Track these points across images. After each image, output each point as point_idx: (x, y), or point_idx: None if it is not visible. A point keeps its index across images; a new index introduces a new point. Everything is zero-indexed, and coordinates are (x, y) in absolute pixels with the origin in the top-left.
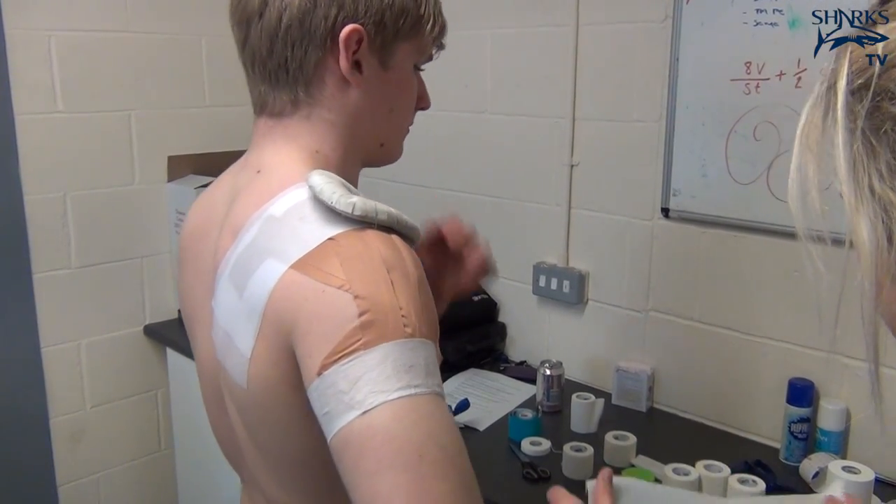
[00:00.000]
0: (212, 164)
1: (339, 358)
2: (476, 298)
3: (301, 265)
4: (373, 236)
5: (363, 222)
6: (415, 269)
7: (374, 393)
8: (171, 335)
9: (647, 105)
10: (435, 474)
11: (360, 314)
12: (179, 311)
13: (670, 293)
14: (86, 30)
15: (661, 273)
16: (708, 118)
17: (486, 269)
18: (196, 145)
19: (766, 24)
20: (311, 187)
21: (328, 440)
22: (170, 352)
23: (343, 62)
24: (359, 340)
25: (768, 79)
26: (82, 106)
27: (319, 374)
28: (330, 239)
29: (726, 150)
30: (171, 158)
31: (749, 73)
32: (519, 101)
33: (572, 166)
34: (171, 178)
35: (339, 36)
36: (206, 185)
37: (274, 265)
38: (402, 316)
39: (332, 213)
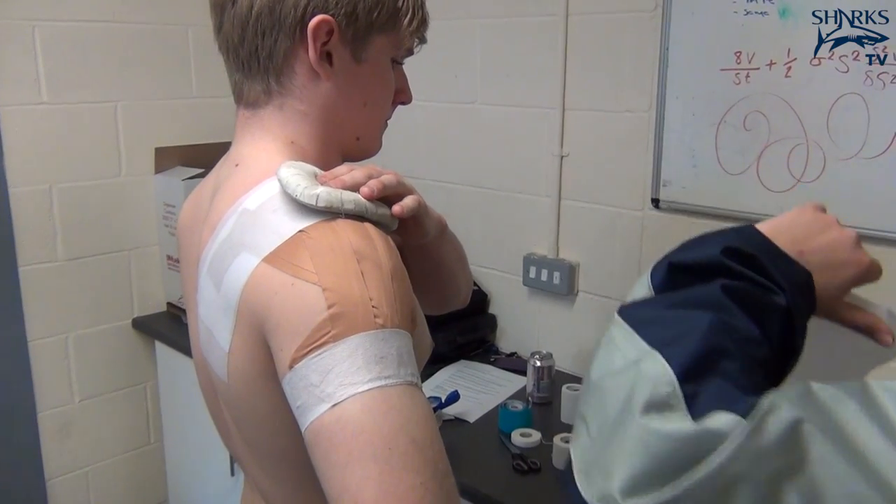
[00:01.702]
0: (199, 156)
1: (309, 351)
2: None
3: (272, 258)
4: (344, 226)
5: (332, 213)
6: (388, 258)
7: (344, 385)
8: (160, 328)
9: (638, 95)
10: (405, 466)
11: (329, 306)
12: (168, 303)
13: None
14: (71, 20)
15: (651, 264)
16: (698, 108)
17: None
18: (183, 137)
19: (756, 13)
20: (278, 180)
21: (302, 432)
22: (158, 345)
23: (311, 53)
24: (328, 333)
25: (758, 68)
26: (67, 97)
27: (291, 367)
28: (301, 231)
29: (716, 141)
30: (158, 150)
31: (739, 63)
32: (508, 91)
33: (562, 157)
34: (158, 170)
35: (308, 26)
36: (193, 177)
37: (247, 259)
38: (373, 307)
39: (302, 206)
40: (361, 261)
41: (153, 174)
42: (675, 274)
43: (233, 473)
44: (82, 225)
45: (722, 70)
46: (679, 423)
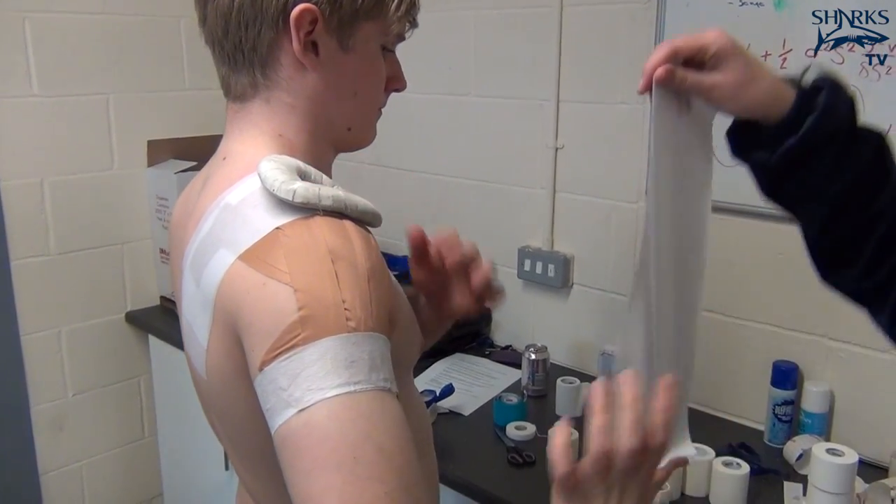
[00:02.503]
0: (192, 149)
1: (279, 354)
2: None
3: (247, 256)
4: (321, 224)
5: (309, 209)
6: (366, 259)
7: (312, 390)
8: (153, 322)
9: (632, 87)
10: (370, 475)
11: (300, 308)
12: (161, 297)
13: None
14: (61, 11)
15: None
16: None
17: (491, 291)
18: (176, 129)
19: (751, 4)
20: (258, 174)
21: (272, 433)
22: (152, 339)
23: (295, 44)
24: (298, 335)
25: None
26: (59, 89)
27: (261, 369)
28: (277, 229)
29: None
30: (150, 143)
31: None
32: (503, 83)
33: (557, 149)
34: (150, 163)
35: (290, 16)
36: (186, 171)
37: (224, 255)
38: (346, 309)
39: (280, 201)
40: (336, 261)
41: (146, 167)
42: None
43: (227, 467)
44: (74, 218)
45: None
46: None
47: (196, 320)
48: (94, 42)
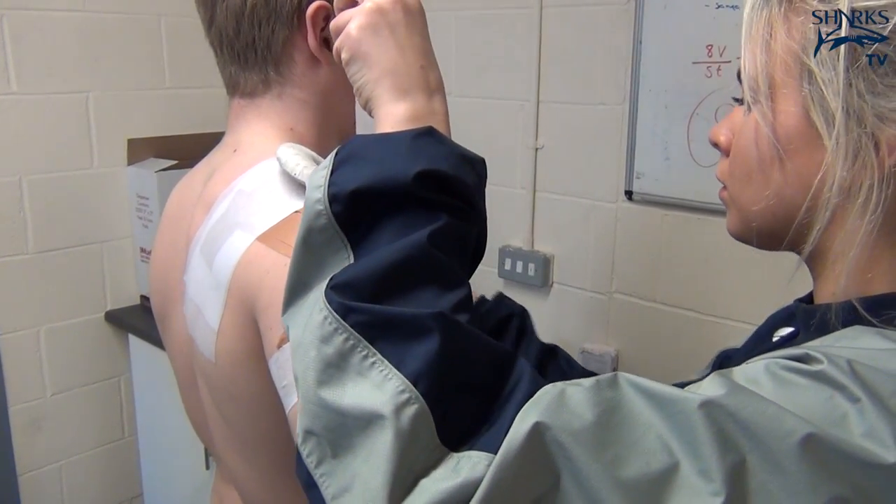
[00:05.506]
0: (173, 147)
1: None
2: None
3: (266, 237)
4: None
5: None
6: None
7: None
8: (133, 321)
9: (611, 88)
10: None
11: None
12: (142, 296)
13: (634, 275)
14: (40, 8)
15: (624, 255)
16: (670, 101)
17: None
18: (157, 128)
19: (727, 6)
20: (278, 159)
21: (286, 413)
22: (132, 338)
23: (311, 40)
24: None
25: (729, 62)
26: (37, 87)
27: (279, 346)
28: (296, 212)
29: (688, 133)
30: (130, 141)
31: (710, 56)
32: (483, 83)
33: (537, 149)
34: (131, 162)
35: (305, 13)
36: (167, 169)
37: (241, 237)
38: None
39: (300, 185)
40: None
41: (126, 166)
42: (360, 203)
43: (207, 467)
44: (53, 217)
45: (694, 63)
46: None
47: (206, 303)
48: (74, 39)
